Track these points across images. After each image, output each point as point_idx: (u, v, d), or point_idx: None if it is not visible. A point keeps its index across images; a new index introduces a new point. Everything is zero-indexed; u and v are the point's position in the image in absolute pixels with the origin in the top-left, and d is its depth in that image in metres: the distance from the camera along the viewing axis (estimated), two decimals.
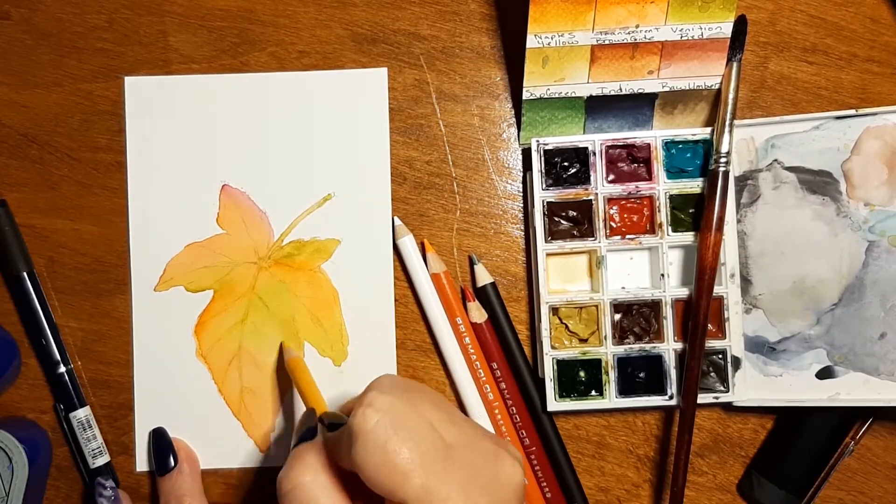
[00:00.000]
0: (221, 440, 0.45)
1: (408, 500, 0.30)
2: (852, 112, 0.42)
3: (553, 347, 0.43)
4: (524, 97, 0.43)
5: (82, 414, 0.44)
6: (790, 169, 0.43)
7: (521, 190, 0.46)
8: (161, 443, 0.43)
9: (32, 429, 0.44)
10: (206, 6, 0.45)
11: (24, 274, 0.44)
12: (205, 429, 0.45)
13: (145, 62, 0.45)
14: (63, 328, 0.45)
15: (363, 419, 0.31)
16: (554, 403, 0.43)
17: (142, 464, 0.45)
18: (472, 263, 0.45)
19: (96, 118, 0.45)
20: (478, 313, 0.44)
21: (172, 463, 0.43)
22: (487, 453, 0.33)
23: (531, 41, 0.41)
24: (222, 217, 0.45)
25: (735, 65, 0.42)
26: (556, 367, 0.43)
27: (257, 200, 0.45)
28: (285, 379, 0.45)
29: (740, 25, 0.42)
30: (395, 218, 0.45)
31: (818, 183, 0.43)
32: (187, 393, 0.45)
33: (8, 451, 0.41)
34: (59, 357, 0.44)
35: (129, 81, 0.45)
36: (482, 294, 0.45)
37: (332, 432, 0.33)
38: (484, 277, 0.45)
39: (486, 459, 0.33)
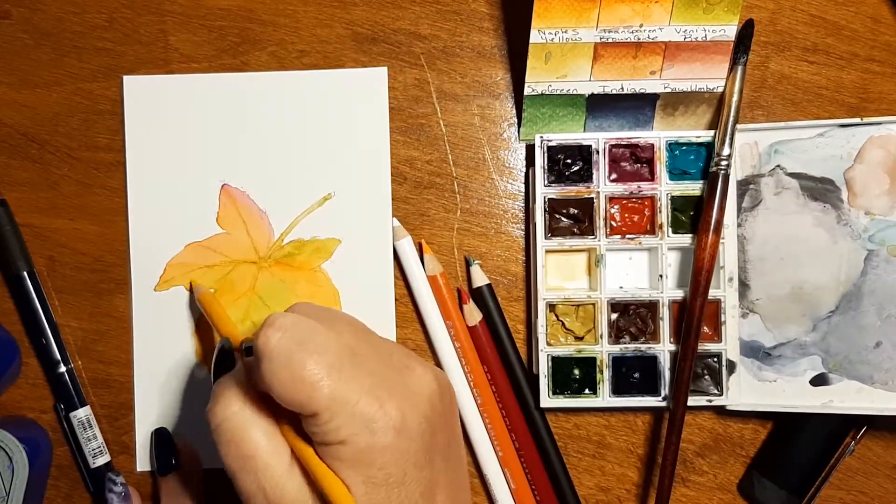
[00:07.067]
0: None
1: (319, 411, 0.29)
2: (857, 120, 0.42)
3: (549, 344, 0.43)
4: (526, 93, 0.43)
5: (82, 413, 0.44)
6: (792, 175, 0.43)
7: (521, 189, 0.46)
8: (163, 443, 0.43)
9: (33, 428, 0.44)
10: (206, 5, 0.45)
11: (24, 273, 0.44)
12: (205, 429, 0.45)
13: (145, 62, 0.45)
14: (63, 328, 0.45)
15: (265, 339, 0.30)
16: (547, 400, 0.43)
17: (142, 464, 0.45)
18: (468, 265, 0.45)
19: (96, 118, 0.45)
20: (472, 315, 0.44)
21: (174, 463, 0.43)
22: (398, 364, 0.33)
23: (535, 36, 0.41)
24: (222, 217, 0.45)
25: (739, 68, 0.42)
26: (550, 363, 0.43)
27: (257, 200, 0.45)
28: None
29: (747, 29, 0.42)
30: (394, 219, 0.45)
31: (820, 190, 0.43)
32: (187, 393, 0.45)
33: (8, 451, 0.41)
34: (59, 356, 0.44)
35: (128, 80, 0.45)
36: (478, 295, 0.45)
37: (249, 357, 0.32)
38: (480, 279, 0.45)
39: (395, 369, 0.33)
